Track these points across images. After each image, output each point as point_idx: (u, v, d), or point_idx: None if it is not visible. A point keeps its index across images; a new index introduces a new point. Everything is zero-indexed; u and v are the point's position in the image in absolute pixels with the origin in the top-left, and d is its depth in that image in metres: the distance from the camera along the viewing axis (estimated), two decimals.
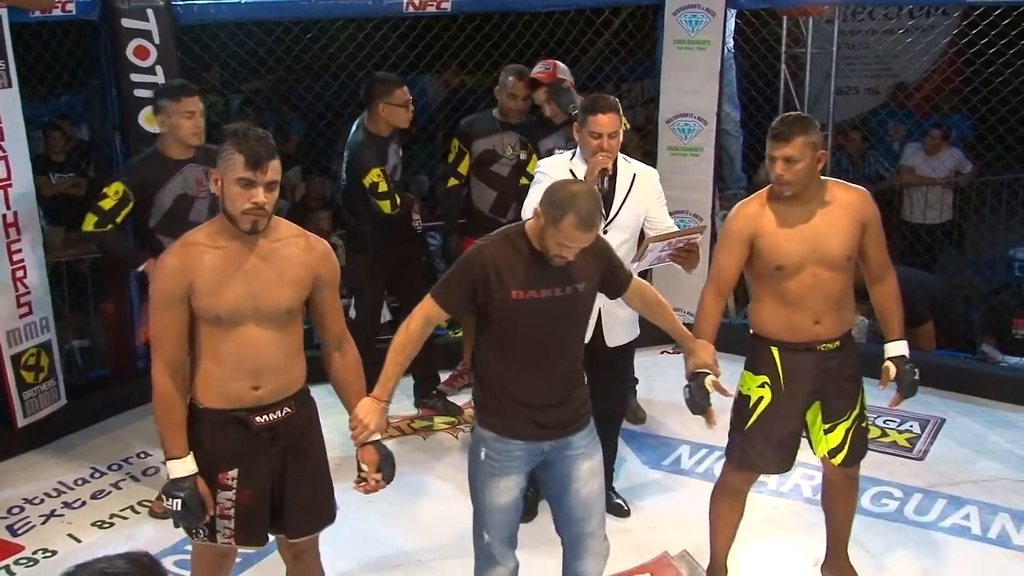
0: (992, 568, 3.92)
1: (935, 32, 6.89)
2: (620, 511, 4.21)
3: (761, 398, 3.39)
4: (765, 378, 3.37)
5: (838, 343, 3.37)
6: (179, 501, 2.83)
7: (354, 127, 5.00)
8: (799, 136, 3.20)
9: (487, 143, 5.16)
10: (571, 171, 3.91)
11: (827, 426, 3.43)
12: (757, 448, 3.42)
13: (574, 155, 3.97)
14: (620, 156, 3.95)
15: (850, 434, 3.43)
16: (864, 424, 3.49)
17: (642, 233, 3.97)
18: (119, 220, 4.25)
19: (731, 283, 3.40)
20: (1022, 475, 4.59)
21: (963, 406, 5.25)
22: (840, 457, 3.46)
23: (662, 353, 5.70)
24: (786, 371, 3.35)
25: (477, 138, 5.17)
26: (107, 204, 4.20)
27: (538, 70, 4.86)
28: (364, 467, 2.99)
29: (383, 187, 4.78)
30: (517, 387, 3.00)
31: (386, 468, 3.00)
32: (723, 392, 3.29)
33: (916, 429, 5.02)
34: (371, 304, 5.11)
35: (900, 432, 4.98)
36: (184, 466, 2.85)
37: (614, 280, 3.13)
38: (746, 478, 3.55)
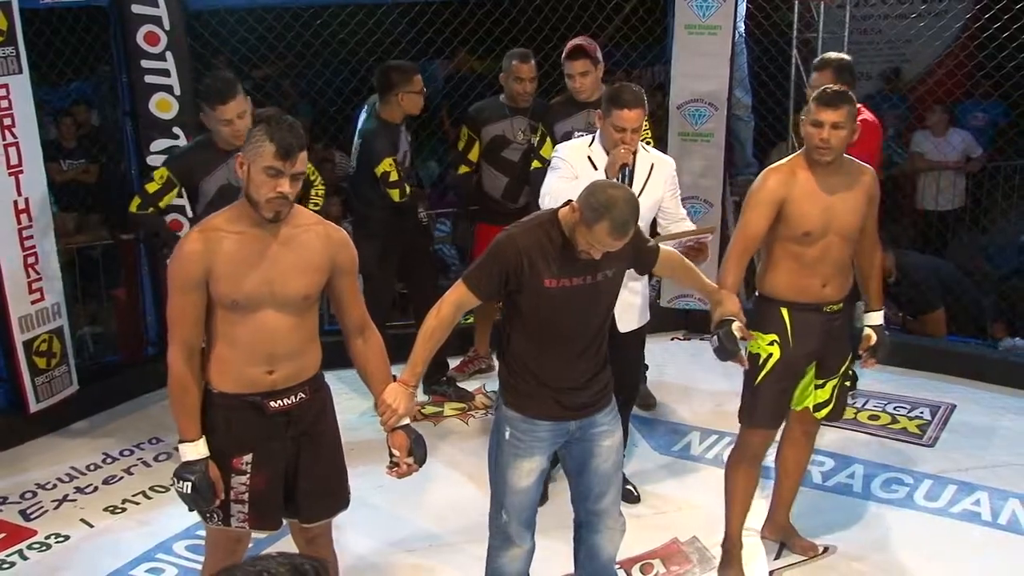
0: (1002, 553, 3.92)
1: (948, 16, 6.84)
2: (630, 497, 4.21)
3: (770, 355, 3.53)
4: (774, 336, 3.52)
5: (841, 304, 3.56)
6: (189, 484, 2.84)
7: (364, 114, 5.00)
8: (846, 105, 3.38)
9: (496, 129, 5.15)
10: (589, 158, 3.91)
11: (819, 381, 3.63)
12: (764, 403, 3.58)
13: (593, 140, 3.96)
14: (640, 145, 3.93)
15: (836, 390, 3.66)
16: (847, 382, 3.75)
17: (654, 222, 3.98)
18: (161, 204, 4.38)
19: (757, 243, 3.51)
20: None
21: (974, 392, 5.23)
22: (825, 411, 3.68)
23: (672, 339, 5.70)
24: (795, 329, 3.51)
25: (486, 124, 5.16)
26: (151, 187, 4.35)
27: (585, 41, 4.71)
28: (395, 452, 2.99)
29: (394, 176, 4.80)
30: (544, 370, 3.02)
31: (418, 451, 3.00)
32: (749, 337, 3.36)
33: (927, 416, 5.00)
34: (379, 291, 5.11)
35: (910, 419, 4.97)
36: (196, 449, 2.87)
37: (644, 259, 3.16)
38: (762, 439, 3.65)
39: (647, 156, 3.95)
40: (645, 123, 4.67)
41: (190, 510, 2.97)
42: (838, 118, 3.35)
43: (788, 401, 3.63)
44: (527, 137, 5.11)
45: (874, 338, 3.66)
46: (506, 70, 5.11)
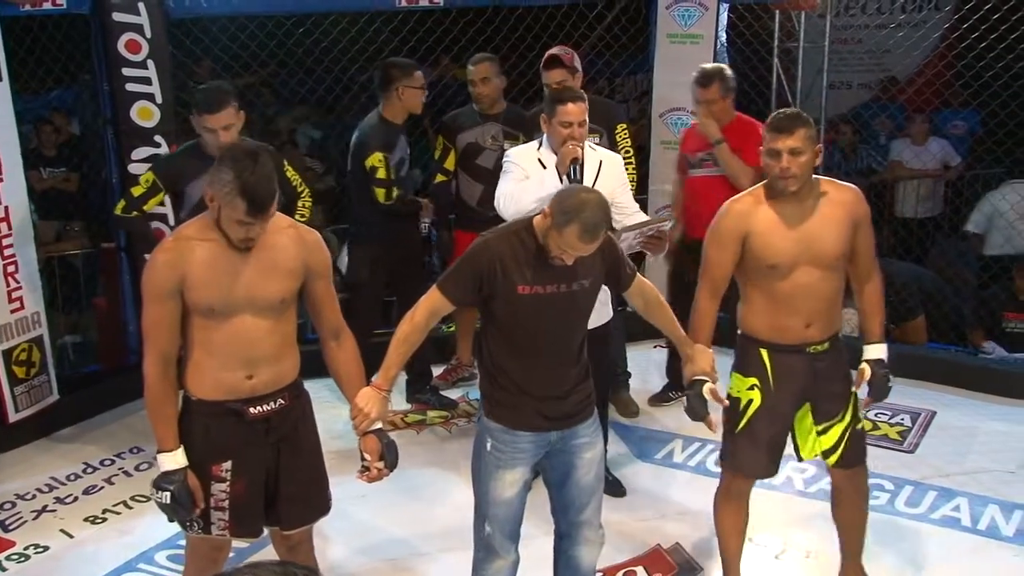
0: (982, 559, 3.94)
1: (926, 27, 6.90)
2: (617, 488, 4.21)
3: (751, 400, 3.34)
4: (755, 380, 3.33)
5: (827, 344, 3.33)
6: (168, 494, 2.83)
7: (368, 116, 5.00)
8: (801, 128, 3.19)
9: (469, 136, 5.16)
10: (539, 160, 3.96)
11: (820, 428, 3.39)
12: (747, 451, 3.38)
13: (541, 144, 4.01)
14: (587, 143, 3.98)
15: (846, 435, 3.39)
16: (860, 426, 3.44)
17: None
18: (146, 208, 4.38)
19: (725, 283, 3.35)
20: (1012, 467, 4.62)
21: (953, 399, 5.27)
22: (834, 458, 3.41)
23: (655, 347, 5.70)
24: (776, 373, 3.32)
25: (460, 132, 5.17)
26: (136, 191, 4.35)
27: (561, 51, 4.74)
28: (367, 456, 2.98)
29: (382, 174, 4.77)
30: (523, 379, 3.01)
31: (389, 456, 3.00)
32: (720, 401, 3.27)
33: (907, 422, 5.04)
34: (369, 298, 5.10)
35: (891, 425, 5.00)
36: (174, 459, 2.86)
37: (618, 276, 3.14)
38: (746, 481, 3.50)
39: (594, 154, 4.00)
40: (624, 131, 4.73)
41: (170, 520, 2.95)
42: (796, 143, 3.16)
43: (778, 450, 3.41)
44: (499, 143, 5.11)
45: (868, 373, 3.37)
46: (468, 75, 5.14)
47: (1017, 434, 4.94)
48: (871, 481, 4.41)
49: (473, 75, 5.07)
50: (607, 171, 3.97)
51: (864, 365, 3.40)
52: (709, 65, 4.91)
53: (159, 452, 2.88)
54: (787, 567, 3.91)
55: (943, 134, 7.55)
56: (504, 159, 4.09)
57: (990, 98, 6.20)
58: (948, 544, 4.04)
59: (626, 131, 4.77)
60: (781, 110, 3.37)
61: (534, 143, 4.08)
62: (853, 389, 3.41)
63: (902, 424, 5.01)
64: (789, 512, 4.17)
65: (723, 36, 5.96)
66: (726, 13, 5.93)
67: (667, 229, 3.93)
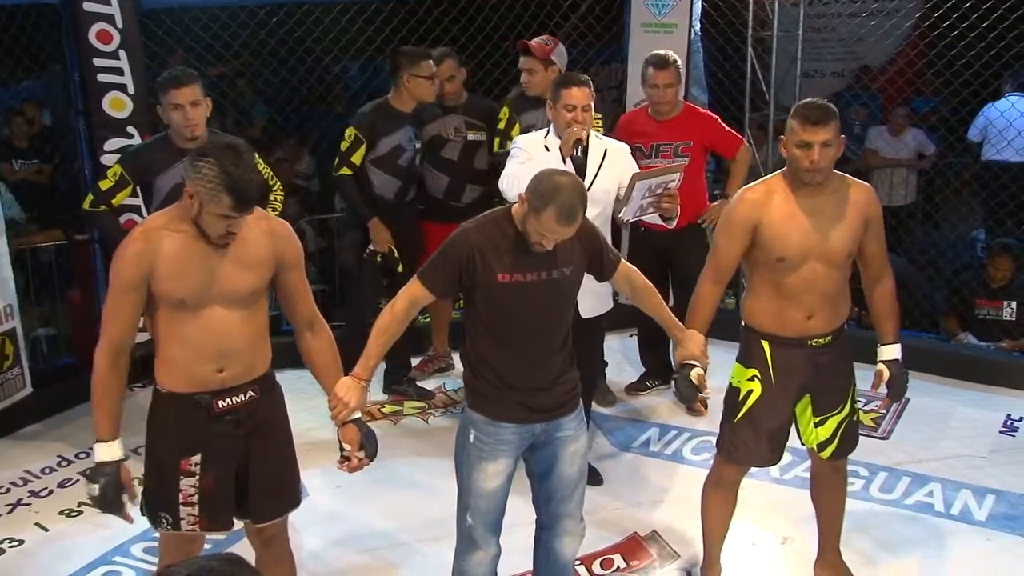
0: (955, 544, 3.99)
1: (899, 15, 6.95)
2: (594, 477, 4.21)
3: (751, 391, 3.34)
4: (755, 371, 3.33)
5: (830, 338, 3.32)
6: (96, 487, 2.79)
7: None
8: (833, 120, 3.12)
9: (433, 129, 5.15)
10: (546, 146, 3.98)
11: (817, 419, 3.40)
12: (745, 441, 3.38)
13: (548, 132, 4.04)
14: (592, 132, 4.00)
15: (842, 427, 3.41)
16: (855, 418, 3.47)
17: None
18: (114, 202, 4.26)
19: (731, 271, 3.33)
20: (984, 452, 4.68)
21: (927, 386, 5.30)
22: (829, 451, 3.43)
23: (631, 336, 5.72)
24: (776, 365, 3.31)
25: (423, 125, 5.13)
26: (104, 185, 4.24)
27: (536, 40, 4.78)
28: (346, 446, 2.98)
29: (343, 145, 4.80)
30: (506, 370, 3.00)
31: (369, 446, 2.99)
32: (703, 387, 3.23)
33: (881, 409, 5.08)
34: (357, 285, 5.08)
35: (866, 412, 5.03)
36: (110, 450, 2.81)
37: (601, 264, 3.13)
38: (737, 470, 3.50)
39: (600, 143, 4.02)
40: (598, 122, 4.74)
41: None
42: (827, 136, 3.09)
43: (778, 443, 3.40)
44: (462, 134, 5.12)
45: (887, 375, 3.39)
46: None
47: (989, 420, 5.00)
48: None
49: (437, 73, 4.99)
50: (612, 158, 3.98)
51: (881, 367, 3.41)
52: (662, 51, 4.88)
53: (96, 442, 2.83)
54: (763, 553, 3.94)
55: (915, 123, 7.61)
56: (512, 145, 4.12)
57: (962, 86, 6.25)
58: (921, 529, 4.08)
59: (599, 122, 4.77)
60: (809, 100, 3.22)
61: (543, 131, 4.11)
62: (871, 390, 3.45)
63: (876, 411, 5.05)
64: (765, 498, 4.19)
65: (697, 25, 5.97)
66: (700, 2, 5.95)
67: (675, 186, 3.85)
